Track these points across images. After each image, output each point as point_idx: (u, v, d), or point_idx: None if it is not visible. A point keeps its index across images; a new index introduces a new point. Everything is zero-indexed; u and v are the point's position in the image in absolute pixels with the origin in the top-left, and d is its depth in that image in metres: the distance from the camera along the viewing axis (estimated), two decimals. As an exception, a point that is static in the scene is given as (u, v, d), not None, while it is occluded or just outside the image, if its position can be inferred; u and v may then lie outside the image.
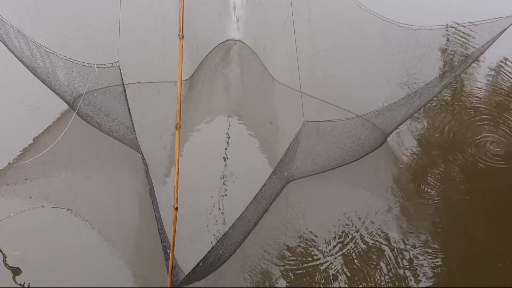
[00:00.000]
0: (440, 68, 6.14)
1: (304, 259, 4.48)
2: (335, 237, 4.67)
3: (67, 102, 5.34)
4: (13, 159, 5.18)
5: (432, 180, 5.28)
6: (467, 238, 4.81)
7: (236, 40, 6.88)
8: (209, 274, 4.18)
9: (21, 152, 5.26)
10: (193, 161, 5.20)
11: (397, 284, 4.32)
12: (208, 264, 3.95)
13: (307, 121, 4.26)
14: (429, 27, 4.83)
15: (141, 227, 4.70)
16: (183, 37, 3.49)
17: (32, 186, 4.97)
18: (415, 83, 5.65)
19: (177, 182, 3.70)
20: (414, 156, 5.55)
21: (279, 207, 4.87)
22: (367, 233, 4.71)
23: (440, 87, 4.96)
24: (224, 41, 6.86)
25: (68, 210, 4.75)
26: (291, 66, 4.80)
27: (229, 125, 5.85)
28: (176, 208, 3.71)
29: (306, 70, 4.58)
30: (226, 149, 5.47)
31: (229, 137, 5.64)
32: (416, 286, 4.32)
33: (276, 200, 4.85)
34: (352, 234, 4.69)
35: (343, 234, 4.70)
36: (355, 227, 4.77)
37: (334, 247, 4.58)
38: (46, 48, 4.60)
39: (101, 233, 4.63)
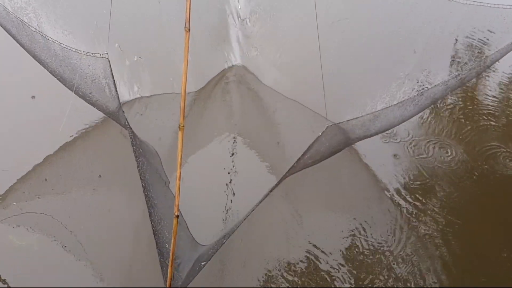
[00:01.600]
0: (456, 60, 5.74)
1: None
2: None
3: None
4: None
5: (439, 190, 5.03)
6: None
7: (239, 65, 6.44)
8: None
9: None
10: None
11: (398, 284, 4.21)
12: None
13: (331, 124, 4.10)
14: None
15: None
16: (189, 29, 3.25)
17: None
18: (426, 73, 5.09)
19: (179, 188, 3.44)
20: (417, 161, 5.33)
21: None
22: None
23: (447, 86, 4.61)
24: (228, 67, 6.43)
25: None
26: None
27: (233, 147, 5.52)
28: (177, 216, 3.44)
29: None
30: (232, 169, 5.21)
31: (233, 155, 5.38)
32: (416, 286, 4.19)
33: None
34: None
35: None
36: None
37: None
38: (33, 28, 4.30)
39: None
